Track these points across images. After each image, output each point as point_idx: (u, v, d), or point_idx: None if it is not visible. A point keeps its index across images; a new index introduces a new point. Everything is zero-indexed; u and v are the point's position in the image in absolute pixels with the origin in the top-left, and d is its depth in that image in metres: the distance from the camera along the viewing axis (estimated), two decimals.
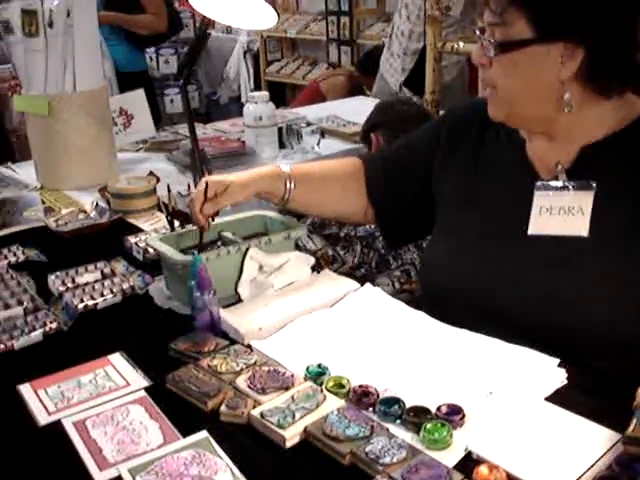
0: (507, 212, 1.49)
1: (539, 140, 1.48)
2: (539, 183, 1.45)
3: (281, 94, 6.97)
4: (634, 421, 1.05)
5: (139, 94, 3.10)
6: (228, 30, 7.32)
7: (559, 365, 1.30)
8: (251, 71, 7.11)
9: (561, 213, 1.41)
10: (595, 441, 1.11)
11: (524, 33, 1.32)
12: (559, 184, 1.43)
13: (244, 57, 7.11)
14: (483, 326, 1.40)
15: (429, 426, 1.13)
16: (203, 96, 6.98)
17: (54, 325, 1.55)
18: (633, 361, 1.31)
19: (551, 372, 1.29)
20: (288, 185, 1.67)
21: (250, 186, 1.64)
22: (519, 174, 1.50)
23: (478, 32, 1.40)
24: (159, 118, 4.78)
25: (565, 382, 1.27)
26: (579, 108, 1.37)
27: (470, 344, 1.39)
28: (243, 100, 6.38)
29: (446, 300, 1.53)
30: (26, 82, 2.55)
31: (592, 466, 1.05)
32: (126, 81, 4.51)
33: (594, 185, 1.39)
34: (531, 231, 1.44)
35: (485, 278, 1.46)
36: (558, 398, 1.23)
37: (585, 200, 1.40)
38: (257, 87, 6.96)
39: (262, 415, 1.19)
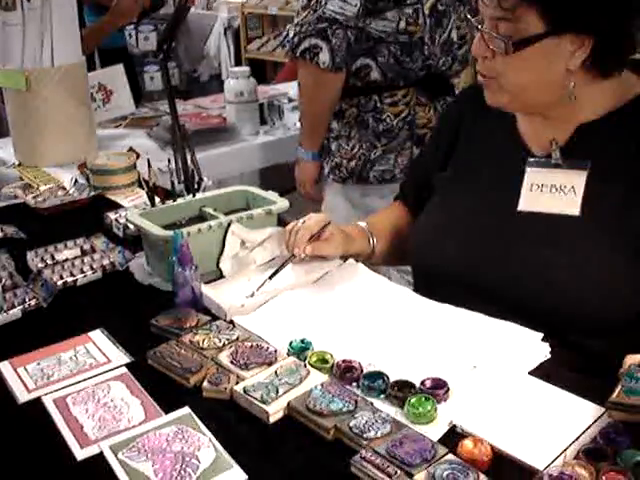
0: (497, 188, 1.48)
1: (534, 118, 1.46)
2: (531, 159, 1.44)
3: (262, 72, 6.90)
4: (619, 387, 1.06)
5: (118, 70, 3.06)
6: (208, 7, 7.25)
7: (543, 339, 1.30)
8: (231, 48, 7.06)
9: (553, 191, 1.41)
10: (579, 414, 1.11)
11: (536, 28, 1.30)
12: (552, 161, 1.42)
13: (224, 34, 7.06)
14: (471, 302, 1.40)
15: (413, 400, 1.13)
16: (183, 73, 6.92)
17: (33, 302, 1.53)
18: (622, 342, 1.29)
19: (535, 346, 1.29)
20: (372, 241, 1.66)
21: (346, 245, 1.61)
22: (510, 150, 1.49)
23: (476, 24, 1.38)
24: (139, 95, 4.72)
25: (549, 356, 1.27)
26: (579, 90, 1.37)
27: (454, 318, 1.38)
28: (224, 77, 6.33)
29: (434, 275, 1.52)
30: (3, 57, 2.51)
31: (576, 439, 1.06)
32: (105, 58, 4.44)
33: (588, 164, 1.38)
34: (521, 207, 1.43)
35: (471, 254, 1.46)
36: (542, 373, 1.23)
37: (578, 179, 1.39)
38: (238, 64, 6.90)
39: (245, 390, 1.18)
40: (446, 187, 1.59)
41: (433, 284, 1.53)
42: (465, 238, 1.48)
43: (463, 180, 1.56)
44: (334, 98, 2.42)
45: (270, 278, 1.51)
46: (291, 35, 2.34)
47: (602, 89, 1.39)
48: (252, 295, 1.48)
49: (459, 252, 1.47)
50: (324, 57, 2.27)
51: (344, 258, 1.62)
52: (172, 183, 1.78)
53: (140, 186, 2.19)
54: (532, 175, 1.43)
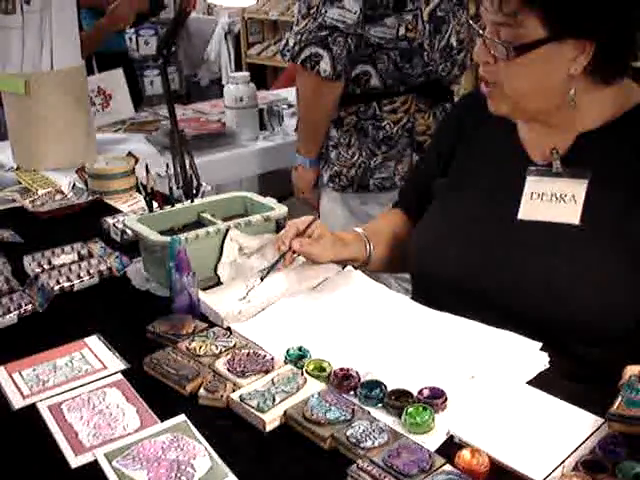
0: (497, 196, 1.48)
1: (535, 126, 1.46)
2: (532, 168, 1.44)
3: (262, 77, 6.91)
4: (619, 399, 1.05)
5: (118, 73, 3.06)
6: (209, 12, 7.25)
7: (541, 349, 1.29)
8: (232, 53, 7.06)
9: (553, 200, 1.40)
10: (578, 425, 1.10)
11: (537, 33, 1.30)
12: (553, 170, 1.41)
13: (225, 39, 7.05)
14: (470, 310, 1.39)
15: (411, 410, 1.12)
16: (183, 78, 6.91)
17: (29, 307, 1.52)
18: (621, 351, 1.28)
19: (533, 356, 1.28)
20: (368, 247, 1.64)
21: (339, 249, 1.59)
22: (510, 158, 1.49)
23: (479, 30, 1.37)
24: (140, 100, 4.73)
25: (547, 366, 1.26)
26: (580, 97, 1.36)
27: (452, 327, 1.37)
28: (224, 82, 6.33)
29: (434, 282, 1.52)
30: (2, 60, 2.50)
31: (575, 450, 1.05)
32: (106, 63, 4.44)
33: (588, 173, 1.38)
34: (521, 216, 1.42)
35: (471, 262, 1.45)
36: (541, 382, 1.22)
37: (578, 188, 1.38)
38: (238, 69, 6.90)
39: (241, 398, 1.17)
40: (446, 194, 1.59)
41: (432, 291, 1.52)
42: (465, 245, 1.47)
43: (463, 187, 1.55)
44: (333, 106, 2.42)
45: (261, 279, 1.51)
46: (291, 44, 2.34)
47: (603, 97, 1.38)
48: (244, 298, 1.48)
49: (459, 259, 1.47)
50: (325, 65, 2.27)
51: (342, 265, 1.62)
52: (170, 188, 1.77)
53: (138, 191, 2.18)
54: (532, 184, 1.43)
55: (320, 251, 1.54)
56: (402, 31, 2.31)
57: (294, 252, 1.54)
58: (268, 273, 1.53)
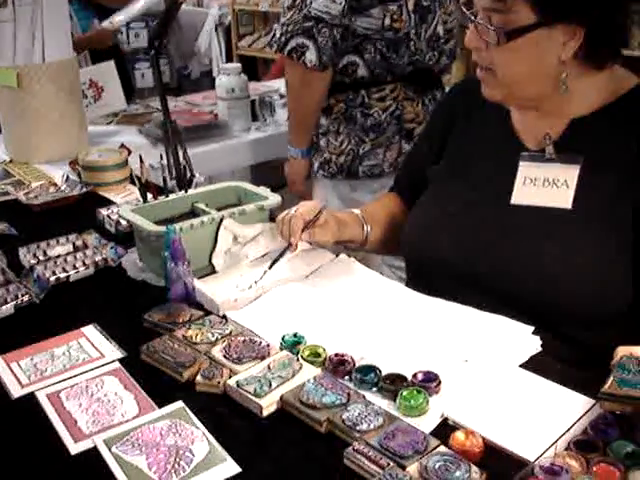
0: (491, 182, 1.49)
1: (528, 112, 1.47)
2: (525, 154, 1.45)
3: (253, 68, 6.90)
4: (611, 378, 1.06)
5: (109, 66, 3.06)
6: (199, 3, 7.23)
7: (534, 332, 1.30)
8: (223, 45, 7.04)
9: (545, 185, 1.42)
10: (570, 407, 1.12)
11: (527, 19, 1.31)
12: (545, 155, 1.43)
13: (215, 31, 7.03)
14: (464, 294, 1.41)
15: (405, 393, 1.13)
16: (174, 70, 6.89)
17: (26, 298, 1.53)
18: (612, 334, 1.30)
19: (526, 339, 1.29)
20: (366, 228, 1.66)
21: (340, 231, 1.61)
22: (504, 144, 1.50)
23: (471, 15, 1.38)
24: (131, 92, 4.72)
25: (539, 349, 1.28)
26: (573, 83, 1.37)
27: (445, 312, 1.39)
28: (215, 74, 6.31)
29: (427, 267, 1.53)
30: None
31: (567, 431, 1.06)
32: (97, 56, 4.44)
33: (581, 159, 1.39)
34: (514, 201, 1.44)
35: (465, 246, 1.46)
36: (534, 365, 1.24)
37: (571, 173, 1.40)
38: (229, 61, 6.88)
39: (238, 384, 1.19)
40: (440, 180, 1.60)
41: (426, 275, 1.54)
42: (458, 230, 1.49)
43: (457, 173, 1.56)
44: (321, 96, 2.44)
45: (270, 268, 1.53)
46: (278, 35, 2.36)
47: (595, 83, 1.39)
48: (250, 287, 1.49)
49: (452, 244, 1.48)
50: (311, 56, 2.29)
51: (336, 253, 1.63)
52: (164, 179, 1.78)
53: (132, 182, 2.19)
54: (525, 169, 1.44)
55: (326, 237, 1.57)
56: (387, 21, 2.33)
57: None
58: (274, 263, 1.54)
